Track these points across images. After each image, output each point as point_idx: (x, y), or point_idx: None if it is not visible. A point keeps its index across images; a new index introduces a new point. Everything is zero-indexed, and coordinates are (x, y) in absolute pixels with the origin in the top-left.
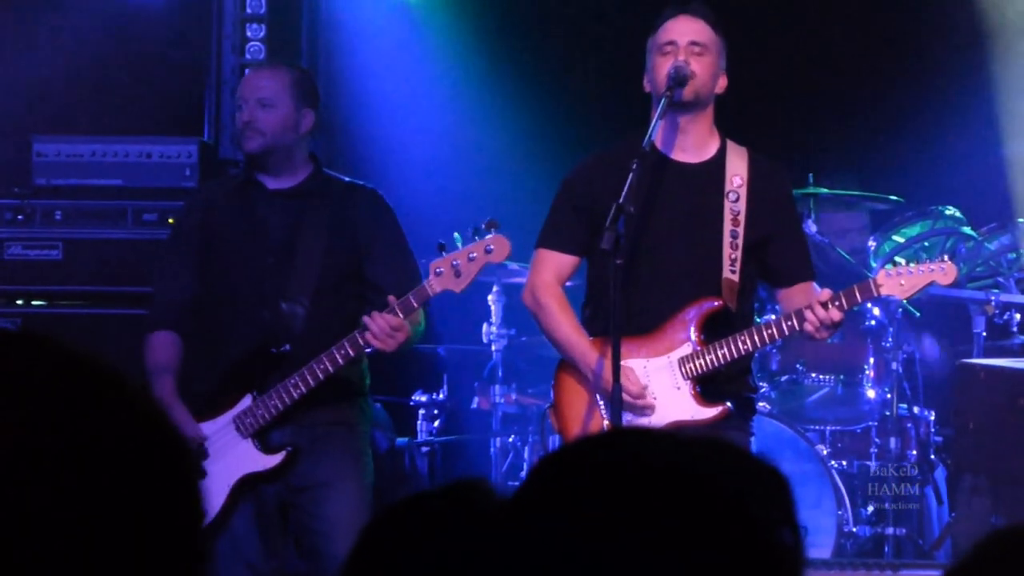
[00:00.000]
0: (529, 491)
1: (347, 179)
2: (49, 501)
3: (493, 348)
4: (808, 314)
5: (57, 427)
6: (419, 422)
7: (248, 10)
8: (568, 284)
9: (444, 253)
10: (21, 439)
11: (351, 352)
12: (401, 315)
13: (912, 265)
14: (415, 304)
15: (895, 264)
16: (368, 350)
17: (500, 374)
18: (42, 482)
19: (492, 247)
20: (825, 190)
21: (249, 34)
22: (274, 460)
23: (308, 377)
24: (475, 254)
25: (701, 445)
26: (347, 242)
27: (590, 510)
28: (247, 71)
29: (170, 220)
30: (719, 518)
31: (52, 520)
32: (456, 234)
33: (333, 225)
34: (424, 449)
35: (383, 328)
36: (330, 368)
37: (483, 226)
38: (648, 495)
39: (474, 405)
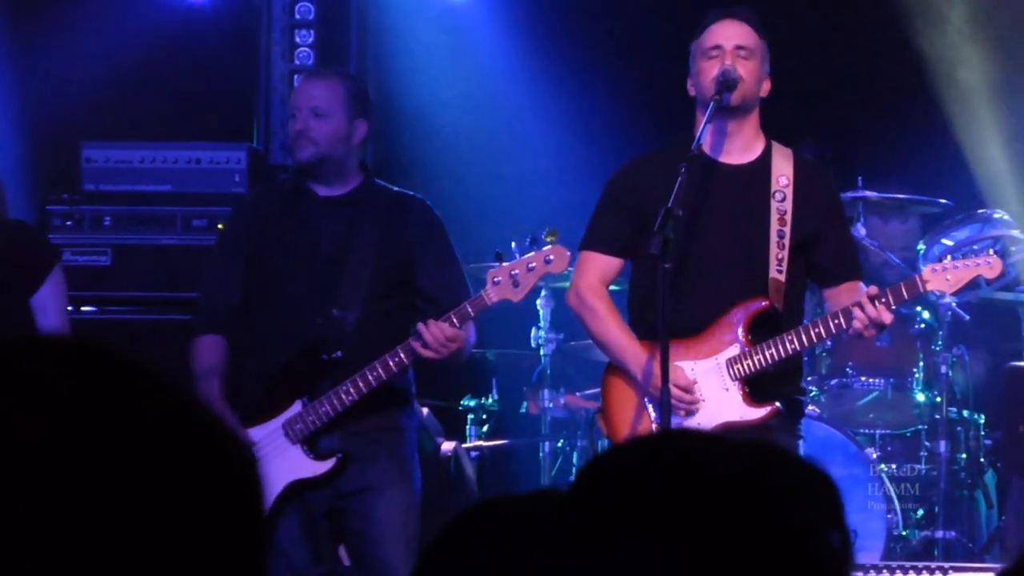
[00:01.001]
0: (577, 495)
1: (396, 189)
2: (108, 512)
3: (542, 352)
4: (856, 311)
5: (114, 438)
6: (468, 427)
7: (297, 16)
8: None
9: (501, 262)
10: (76, 449)
11: (405, 360)
12: (458, 324)
13: (958, 260)
14: (472, 313)
15: (940, 261)
16: (422, 356)
17: (549, 378)
18: (99, 493)
19: (552, 257)
20: (874, 193)
21: (298, 40)
22: (325, 466)
23: (360, 384)
24: (534, 264)
25: (749, 448)
26: (398, 251)
27: (638, 514)
28: (301, 79)
29: (220, 226)
30: (768, 521)
31: (106, 530)
32: (513, 243)
33: (383, 234)
34: (473, 454)
35: (438, 337)
36: (383, 376)
37: (543, 236)
38: (696, 498)
39: (523, 409)
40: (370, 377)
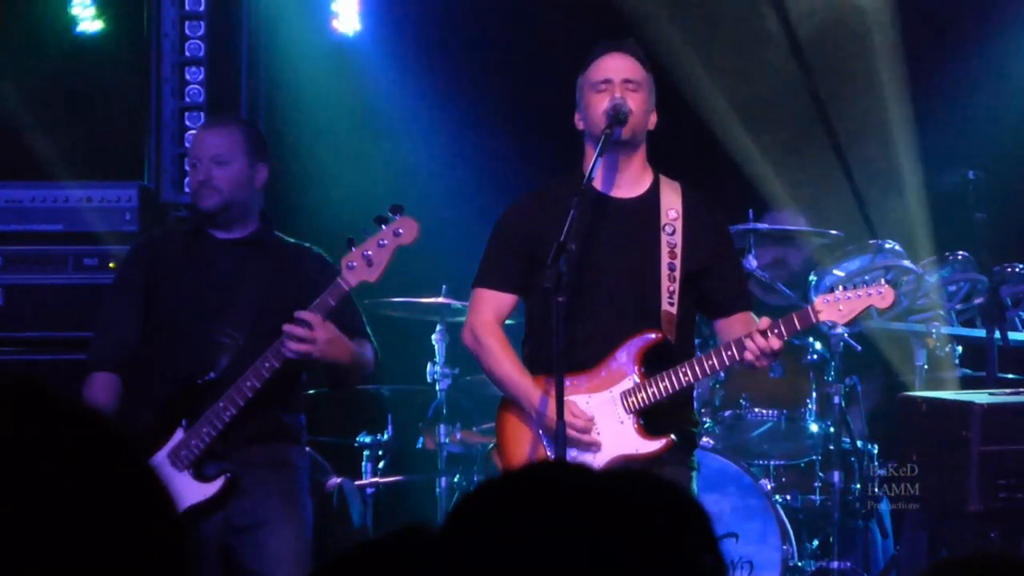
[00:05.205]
0: (454, 528)
1: (292, 240)
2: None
3: (438, 388)
4: (748, 343)
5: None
6: (364, 463)
7: (187, 53)
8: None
9: (354, 247)
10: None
11: (276, 363)
12: (320, 315)
13: (850, 291)
14: (331, 302)
15: (832, 291)
16: (290, 355)
17: (445, 413)
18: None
19: (401, 230)
20: (765, 225)
21: (188, 77)
22: (213, 488)
23: (236, 397)
24: (385, 240)
25: (624, 476)
26: (289, 294)
27: (511, 546)
28: (198, 129)
29: (111, 264)
30: (642, 544)
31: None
32: (364, 230)
33: (276, 274)
34: (369, 490)
35: (298, 329)
36: (257, 384)
37: (388, 212)
38: (569, 524)
39: (419, 445)
40: (244, 388)
